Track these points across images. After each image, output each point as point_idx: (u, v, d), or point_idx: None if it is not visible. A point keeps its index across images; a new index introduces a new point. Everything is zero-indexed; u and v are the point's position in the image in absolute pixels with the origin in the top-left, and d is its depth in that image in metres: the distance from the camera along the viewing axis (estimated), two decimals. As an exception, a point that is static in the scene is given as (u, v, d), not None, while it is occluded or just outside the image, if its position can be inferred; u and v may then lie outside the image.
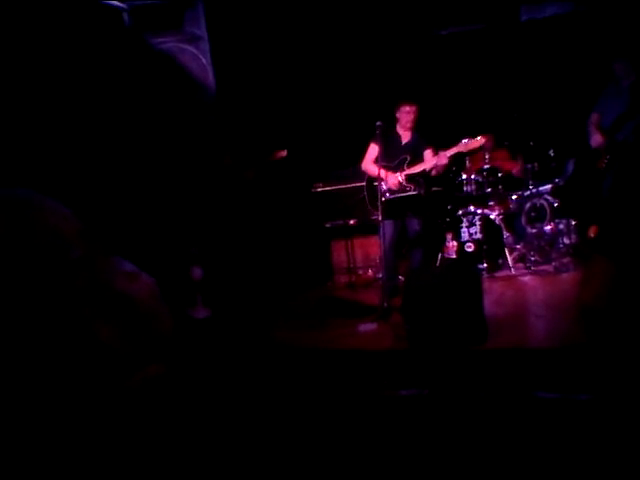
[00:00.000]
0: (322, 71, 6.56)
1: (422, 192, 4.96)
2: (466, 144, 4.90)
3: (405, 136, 5.09)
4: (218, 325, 4.54)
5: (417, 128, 5.12)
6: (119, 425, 1.88)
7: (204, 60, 4.58)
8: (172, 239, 4.53)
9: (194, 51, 4.57)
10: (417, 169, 4.93)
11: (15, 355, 1.77)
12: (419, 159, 4.99)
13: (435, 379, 3.48)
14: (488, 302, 3.97)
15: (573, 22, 6.63)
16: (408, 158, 4.98)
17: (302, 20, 6.03)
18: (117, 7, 4.25)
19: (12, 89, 3.62)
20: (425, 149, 5.04)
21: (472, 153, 5.95)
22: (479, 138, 4.89)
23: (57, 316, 1.83)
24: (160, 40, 4.70)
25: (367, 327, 4.32)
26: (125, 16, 4.34)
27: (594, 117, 4.98)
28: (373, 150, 5.04)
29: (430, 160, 4.95)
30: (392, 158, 4.96)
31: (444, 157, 4.84)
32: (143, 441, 1.97)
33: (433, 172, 5.01)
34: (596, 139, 4.85)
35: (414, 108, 4.98)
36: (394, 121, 5.10)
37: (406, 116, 4.98)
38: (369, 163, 5.09)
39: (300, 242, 6.13)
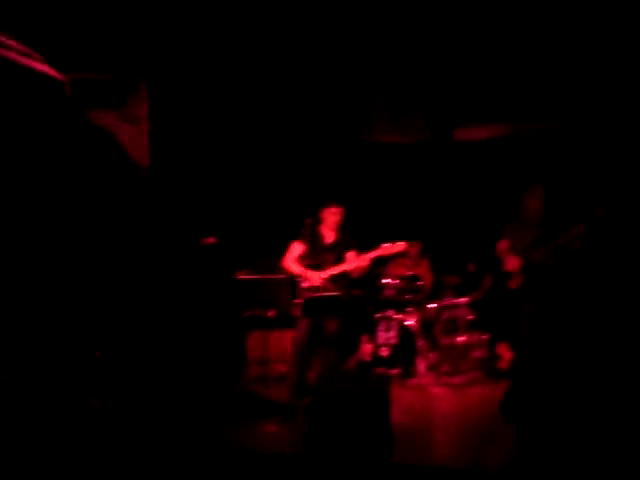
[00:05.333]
0: (257, 163, 6.74)
1: (342, 294, 5.02)
2: (387, 248, 5.00)
3: (329, 236, 5.18)
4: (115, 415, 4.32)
5: (342, 229, 5.22)
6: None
7: (142, 140, 4.61)
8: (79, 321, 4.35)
9: (133, 130, 4.60)
10: (338, 270, 5.01)
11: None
12: (341, 260, 5.09)
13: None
14: (396, 411, 3.97)
15: (498, 147, 7.14)
16: (330, 258, 5.06)
17: (240, 114, 6.23)
18: (57, 79, 4.26)
19: None
20: (348, 250, 5.14)
21: (393, 257, 6.14)
22: (400, 243, 5.01)
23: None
24: (101, 115, 4.72)
25: (273, 427, 4.23)
26: (67, 88, 4.35)
27: (503, 244, 5.23)
28: (295, 248, 5.11)
29: (352, 262, 5.04)
30: (315, 257, 5.04)
31: (365, 260, 4.95)
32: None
33: (354, 274, 5.11)
34: (512, 262, 5.09)
35: (340, 210, 5.10)
36: (319, 220, 5.20)
37: (332, 217, 5.09)
38: (290, 261, 5.14)
39: (216, 331, 6.01)
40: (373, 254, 4.98)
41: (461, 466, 3.51)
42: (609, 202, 4.69)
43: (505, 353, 6.09)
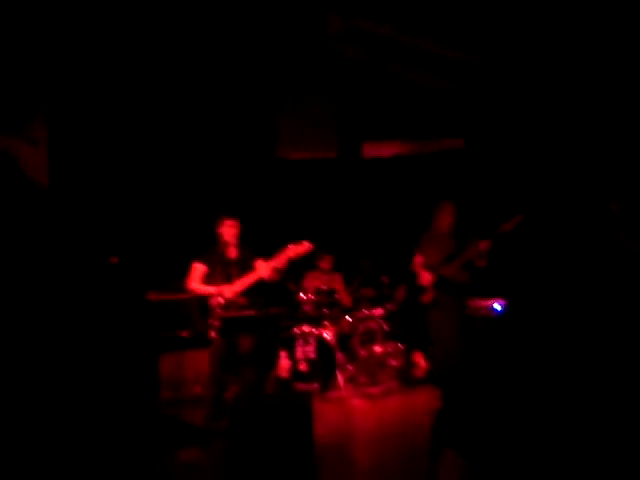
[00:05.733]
0: (165, 179, 6.57)
1: (257, 310, 4.92)
2: (293, 249, 4.87)
3: (231, 252, 5.01)
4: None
5: (242, 243, 5.07)
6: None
7: (41, 160, 4.39)
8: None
9: (32, 151, 4.38)
10: (249, 280, 4.86)
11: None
12: (248, 272, 4.93)
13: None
14: (317, 429, 3.92)
15: (409, 163, 7.34)
16: (236, 272, 4.90)
17: (146, 130, 6.08)
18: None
19: None
20: (253, 261, 4.98)
21: (309, 270, 6.13)
22: (305, 242, 4.89)
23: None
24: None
25: (189, 455, 4.08)
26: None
27: (418, 259, 5.36)
28: (198, 268, 4.94)
29: (260, 269, 4.88)
30: (220, 274, 4.89)
31: (273, 264, 4.82)
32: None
33: (267, 280, 4.94)
34: (425, 277, 5.20)
35: (235, 222, 4.97)
36: (218, 236, 5.03)
37: (228, 230, 4.95)
38: (195, 282, 4.94)
39: (125, 353, 5.76)
40: (281, 257, 4.84)
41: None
42: (513, 217, 4.90)
43: (420, 361, 6.22)
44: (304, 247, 4.89)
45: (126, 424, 4.95)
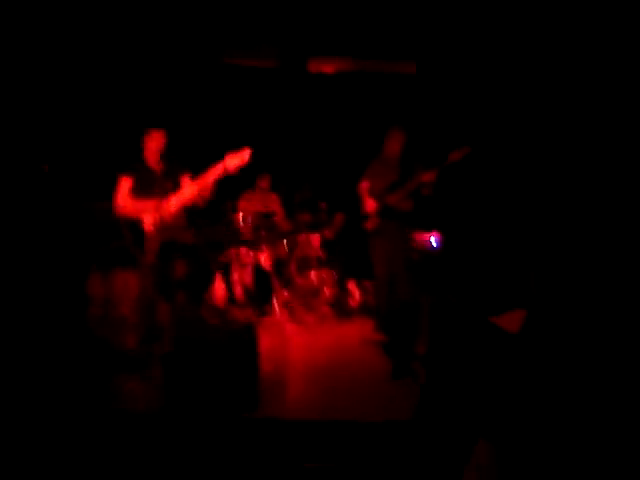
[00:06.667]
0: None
1: (190, 233, 4.62)
2: (231, 158, 4.27)
3: (157, 165, 4.55)
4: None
5: (169, 155, 4.60)
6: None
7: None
8: None
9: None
10: (179, 199, 4.41)
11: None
12: (177, 187, 4.49)
13: (196, 450, 3.24)
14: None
15: (357, 84, 7.04)
16: (165, 188, 4.46)
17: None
18: None
19: None
20: (181, 175, 4.55)
21: (249, 191, 5.88)
22: (245, 150, 4.26)
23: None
24: None
25: (124, 380, 3.93)
26: None
27: (364, 184, 5.22)
28: (124, 183, 4.45)
29: (191, 186, 4.42)
30: (147, 190, 4.44)
31: (207, 179, 4.32)
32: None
33: (199, 201, 4.49)
34: (369, 204, 5.10)
35: (160, 134, 4.50)
36: (143, 149, 4.55)
37: (153, 143, 4.49)
38: (124, 198, 4.46)
39: (52, 267, 5.40)
40: (216, 170, 4.29)
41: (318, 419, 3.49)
42: (461, 147, 4.82)
43: (354, 291, 6.24)
44: (243, 156, 4.28)
45: (56, 343, 4.70)
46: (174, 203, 4.43)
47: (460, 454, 2.74)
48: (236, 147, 4.34)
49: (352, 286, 6.17)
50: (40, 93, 5.36)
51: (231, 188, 5.76)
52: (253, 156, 4.40)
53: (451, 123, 6.16)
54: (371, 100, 6.96)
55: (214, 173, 4.30)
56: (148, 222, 4.42)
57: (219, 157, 4.33)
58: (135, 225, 4.46)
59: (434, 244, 6.23)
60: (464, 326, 3.65)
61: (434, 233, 6.29)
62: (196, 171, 4.51)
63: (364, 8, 6.13)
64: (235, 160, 4.26)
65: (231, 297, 5.59)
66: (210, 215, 5.74)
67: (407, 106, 6.62)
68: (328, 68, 7.20)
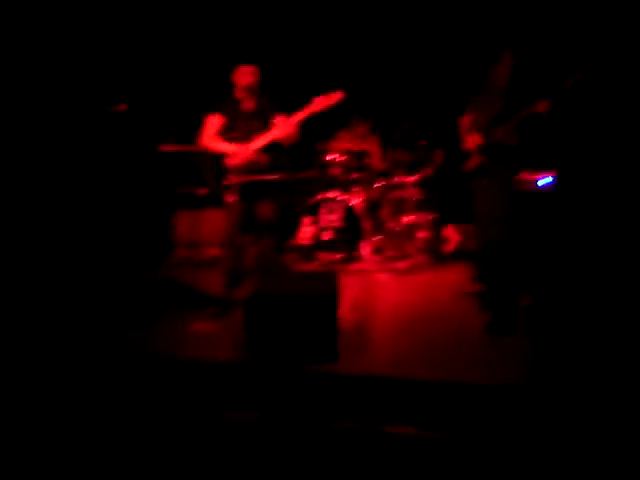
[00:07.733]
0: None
1: (277, 173, 4.37)
2: (321, 101, 4.18)
3: (248, 103, 4.37)
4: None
5: (261, 93, 4.40)
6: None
7: None
8: None
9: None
10: (267, 138, 4.24)
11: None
12: (268, 127, 4.31)
13: (270, 401, 3.05)
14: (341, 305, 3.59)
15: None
16: (255, 127, 4.28)
17: None
18: None
19: None
20: (273, 115, 4.35)
21: (341, 130, 5.49)
22: (337, 93, 4.16)
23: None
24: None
25: (204, 327, 3.80)
26: None
27: (466, 118, 4.71)
28: (212, 122, 4.32)
29: (281, 126, 4.25)
30: (237, 129, 4.28)
31: (295, 121, 4.19)
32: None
33: (287, 142, 4.33)
34: (472, 140, 4.58)
35: (252, 69, 4.29)
36: (234, 86, 4.36)
37: (244, 78, 4.28)
38: (210, 137, 4.35)
39: (140, 209, 5.37)
40: (305, 112, 4.18)
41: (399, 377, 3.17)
42: (574, 74, 4.18)
43: (452, 236, 5.78)
44: (334, 98, 4.18)
45: (136, 285, 4.69)
46: (261, 142, 4.24)
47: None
48: (330, 87, 4.22)
49: (450, 231, 5.71)
50: (119, 26, 5.21)
51: (326, 127, 5.45)
52: (347, 94, 4.14)
53: (563, 46, 5.39)
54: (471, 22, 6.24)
55: (303, 114, 4.17)
56: (233, 161, 4.23)
57: (312, 97, 4.20)
58: (220, 164, 4.28)
59: (546, 185, 5.59)
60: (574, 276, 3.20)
61: (546, 173, 5.64)
62: (288, 111, 4.32)
63: None
64: (325, 102, 4.17)
65: (319, 242, 5.32)
66: (302, 155, 5.45)
67: (515, 28, 5.88)
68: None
